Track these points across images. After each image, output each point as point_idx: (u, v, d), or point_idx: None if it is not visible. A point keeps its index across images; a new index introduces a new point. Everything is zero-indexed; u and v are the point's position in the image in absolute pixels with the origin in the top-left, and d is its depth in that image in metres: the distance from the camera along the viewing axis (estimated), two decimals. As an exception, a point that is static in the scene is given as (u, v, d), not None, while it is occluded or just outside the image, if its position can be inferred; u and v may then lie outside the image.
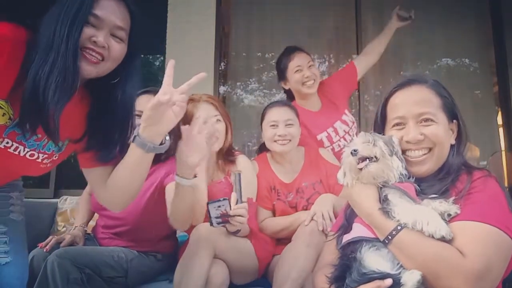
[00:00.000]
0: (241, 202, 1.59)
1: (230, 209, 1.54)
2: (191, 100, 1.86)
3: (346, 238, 1.09)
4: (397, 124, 1.14)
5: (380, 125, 1.21)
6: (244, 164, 1.92)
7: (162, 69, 3.52)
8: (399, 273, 0.94)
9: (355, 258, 1.01)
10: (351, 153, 1.07)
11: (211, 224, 1.56)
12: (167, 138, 1.18)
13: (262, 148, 2.16)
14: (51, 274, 1.50)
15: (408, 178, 1.08)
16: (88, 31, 1.06)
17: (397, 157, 1.07)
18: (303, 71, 2.28)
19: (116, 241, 1.87)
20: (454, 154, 1.12)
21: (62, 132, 1.10)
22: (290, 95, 2.45)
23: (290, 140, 1.95)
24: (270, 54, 3.83)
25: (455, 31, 3.74)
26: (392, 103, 1.17)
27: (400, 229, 0.96)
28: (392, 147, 1.08)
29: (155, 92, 1.80)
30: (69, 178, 3.55)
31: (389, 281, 0.92)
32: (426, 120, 1.09)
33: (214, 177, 1.91)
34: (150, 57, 4.15)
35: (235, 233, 1.68)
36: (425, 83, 1.14)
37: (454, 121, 1.15)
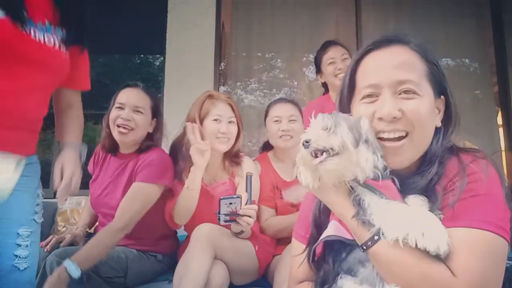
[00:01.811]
0: (250, 203, 1.60)
1: (240, 207, 1.55)
2: (210, 96, 1.86)
3: (319, 249, 0.88)
4: (368, 96, 0.87)
5: (346, 98, 0.93)
6: (250, 166, 1.91)
7: (162, 69, 3.52)
8: None
9: None
10: (303, 144, 0.82)
11: (218, 220, 1.57)
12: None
13: (265, 147, 2.18)
14: (50, 273, 1.50)
15: (385, 171, 0.82)
16: None
17: (367, 147, 0.80)
18: (336, 63, 2.32)
19: None
20: (439, 140, 0.86)
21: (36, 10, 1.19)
22: (327, 89, 2.49)
23: (292, 137, 1.96)
24: (270, 54, 3.84)
25: (455, 31, 3.74)
26: (364, 68, 0.90)
27: (377, 240, 0.76)
28: (359, 134, 0.80)
29: (136, 86, 1.91)
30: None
31: None
32: (407, 91, 0.83)
33: (217, 178, 1.91)
34: (150, 57, 4.15)
35: (238, 234, 1.68)
36: (408, 44, 0.89)
37: (442, 96, 0.89)
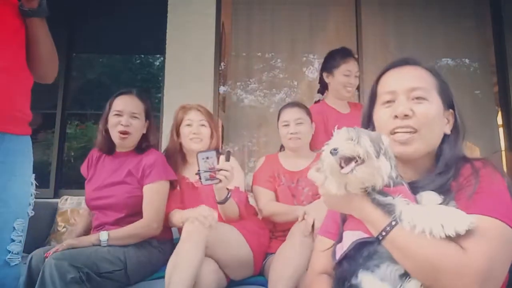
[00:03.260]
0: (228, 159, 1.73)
1: (218, 163, 1.69)
2: (182, 108, 2.14)
3: (339, 250, 0.99)
4: (387, 101, 1.06)
5: (369, 105, 1.13)
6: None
7: (162, 69, 3.52)
8: None
9: (352, 286, 0.91)
10: (331, 152, 0.91)
11: (200, 179, 1.69)
12: (42, 1, 1.35)
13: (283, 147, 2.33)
14: (50, 276, 1.50)
15: (396, 178, 0.94)
16: None
17: (386, 158, 0.93)
18: (350, 77, 2.45)
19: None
20: (451, 146, 1.03)
21: None
22: (323, 86, 2.60)
23: (300, 138, 2.11)
24: (270, 54, 3.84)
25: (455, 31, 3.74)
26: (384, 80, 1.10)
27: (394, 225, 0.88)
28: (379, 146, 0.93)
29: (130, 93, 2.04)
30: (69, 178, 3.55)
31: None
32: (418, 98, 1.01)
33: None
34: (150, 57, 4.15)
35: (223, 202, 1.77)
36: (421, 64, 1.09)
37: (451, 110, 1.06)
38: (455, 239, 0.83)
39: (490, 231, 0.83)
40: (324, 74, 2.54)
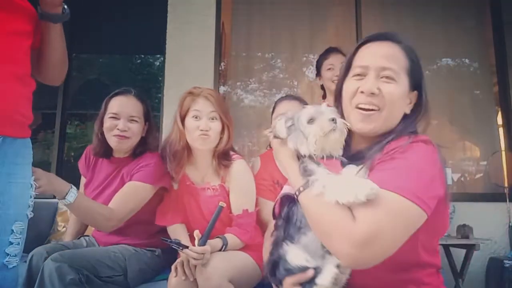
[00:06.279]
0: (205, 242, 1.55)
1: (187, 247, 1.52)
2: (190, 93, 1.81)
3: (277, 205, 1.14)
4: (358, 74, 1.08)
5: (343, 76, 1.15)
6: (239, 171, 1.82)
7: (162, 69, 3.52)
8: (320, 266, 0.96)
9: (280, 255, 1.02)
10: (332, 119, 1.00)
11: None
12: (66, 7, 1.33)
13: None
14: (49, 278, 1.49)
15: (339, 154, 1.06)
16: None
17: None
18: (335, 70, 2.44)
19: (112, 237, 1.88)
20: (405, 126, 1.06)
21: None
22: (325, 91, 2.63)
23: None
24: (270, 54, 3.84)
25: (455, 31, 3.74)
26: (360, 53, 1.12)
27: (302, 190, 0.97)
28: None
29: (128, 94, 1.89)
30: (69, 178, 3.55)
31: (310, 273, 0.96)
32: (388, 77, 1.04)
33: (207, 179, 1.85)
34: (150, 57, 4.15)
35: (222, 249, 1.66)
36: (399, 43, 1.09)
37: (415, 91, 1.09)
38: (353, 208, 0.89)
39: (381, 203, 0.86)
40: (317, 79, 2.60)
